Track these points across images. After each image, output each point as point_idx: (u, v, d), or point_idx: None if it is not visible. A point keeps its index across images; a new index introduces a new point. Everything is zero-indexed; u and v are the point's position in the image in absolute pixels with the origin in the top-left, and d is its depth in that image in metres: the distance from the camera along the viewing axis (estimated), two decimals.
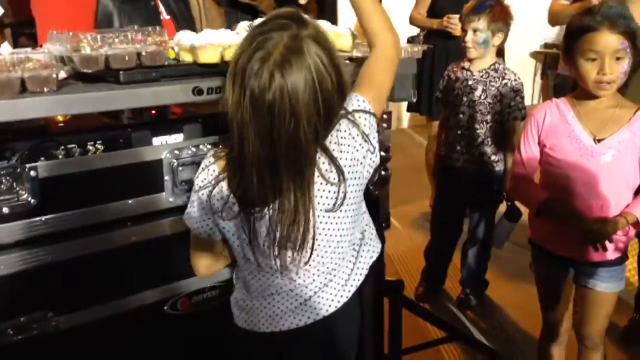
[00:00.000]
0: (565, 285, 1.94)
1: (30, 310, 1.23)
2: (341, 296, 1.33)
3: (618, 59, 1.68)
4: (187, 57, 1.37)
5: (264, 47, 1.11)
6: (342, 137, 1.23)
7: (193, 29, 2.13)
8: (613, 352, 2.02)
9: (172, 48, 1.38)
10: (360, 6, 1.38)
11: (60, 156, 1.24)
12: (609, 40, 1.66)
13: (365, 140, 1.26)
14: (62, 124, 1.39)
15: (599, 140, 1.76)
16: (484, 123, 2.66)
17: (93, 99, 1.20)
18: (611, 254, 1.81)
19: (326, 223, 1.24)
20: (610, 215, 1.77)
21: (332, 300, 1.32)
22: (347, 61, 1.50)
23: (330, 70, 1.15)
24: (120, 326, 1.34)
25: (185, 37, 1.38)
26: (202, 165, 1.27)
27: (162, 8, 2.08)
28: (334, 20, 1.75)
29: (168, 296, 1.41)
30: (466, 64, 2.71)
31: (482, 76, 2.66)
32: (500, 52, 2.81)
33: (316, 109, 1.14)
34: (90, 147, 1.29)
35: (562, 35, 1.87)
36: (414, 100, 1.75)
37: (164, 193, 1.36)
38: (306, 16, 1.20)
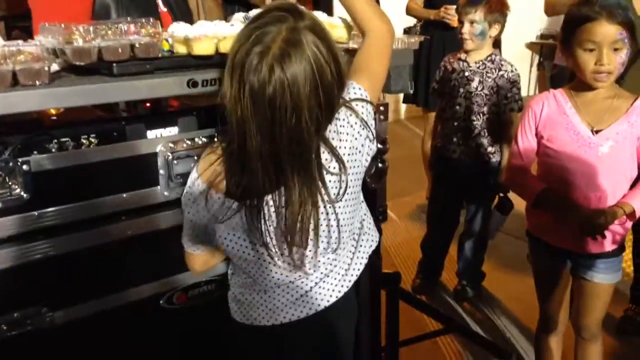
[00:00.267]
0: (562, 277, 1.94)
1: (24, 306, 1.22)
2: (342, 286, 1.33)
3: (616, 49, 1.67)
4: (181, 49, 1.35)
5: (262, 42, 1.10)
6: (341, 126, 1.22)
7: (190, 20, 2.11)
8: (609, 342, 2.02)
9: (166, 40, 1.36)
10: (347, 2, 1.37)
11: (53, 150, 1.23)
12: (607, 31, 1.65)
13: (364, 128, 1.25)
14: (55, 117, 1.37)
15: (597, 132, 1.75)
16: (481, 114, 2.66)
17: (86, 92, 1.18)
18: (609, 246, 1.81)
19: (328, 213, 1.24)
20: (608, 206, 1.77)
21: (333, 291, 1.32)
22: (344, 53, 1.48)
23: (329, 61, 1.13)
24: (115, 321, 1.33)
25: (179, 28, 1.36)
26: (189, 182, 1.27)
27: (159, 0, 2.06)
28: (329, 11, 1.73)
29: (164, 290, 1.39)
30: (463, 55, 2.70)
31: (478, 67, 2.65)
32: (496, 44, 2.80)
33: (317, 101, 1.13)
34: (84, 141, 1.27)
35: (559, 26, 1.86)
36: (411, 91, 1.74)
37: (158, 187, 1.35)
38: (302, 7, 1.18)
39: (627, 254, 2.41)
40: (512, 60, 2.73)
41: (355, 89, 1.27)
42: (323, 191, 1.20)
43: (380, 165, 1.62)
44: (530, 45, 6.99)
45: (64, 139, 1.25)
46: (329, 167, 1.21)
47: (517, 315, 2.75)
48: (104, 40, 1.23)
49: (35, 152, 1.20)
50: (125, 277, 1.34)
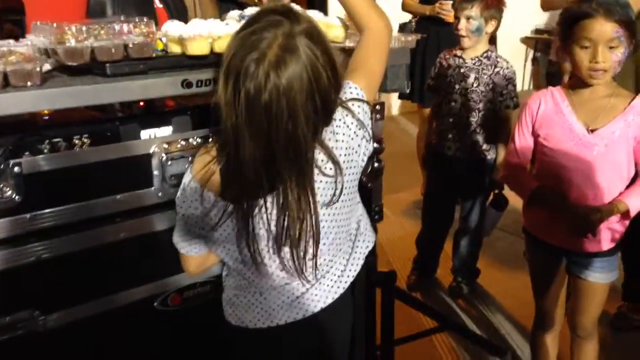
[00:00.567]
0: (558, 275, 1.94)
1: (16, 309, 1.20)
2: (337, 287, 1.32)
3: (612, 47, 1.66)
4: (175, 49, 1.33)
5: (257, 48, 1.08)
6: (337, 126, 1.21)
7: (186, 17, 2.09)
8: (602, 338, 2.02)
9: (160, 39, 1.34)
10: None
11: (45, 151, 1.21)
12: (603, 28, 1.65)
13: (360, 128, 1.24)
14: (47, 117, 1.35)
15: (592, 131, 1.74)
16: (476, 111, 2.65)
17: (78, 93, 1.17)
18: (605, 245, 1.81)
19: (324, 215, 1.23)
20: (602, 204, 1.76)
21: (329, 293, 1.31)
22: (340, 52, 1.47)
23: (325, 66, 1.12)
24: (109, 324, 1.32)
25: (173, 27, 1.34)
26: (184, 182, 1.25)
27: None
28: (324, 10, 1.72)
29: (158, 292, 1.38)
30: (458, 52, 2.69)
31: (474, 64, 2.64)
32: (492, 40, 2.79)
33: (313, 107, 1.12)
34: (77, 141, 1.25)
35: (554, 21, 1.85)
36: (407, 91, 1.73)
37: (153, 188, 1.33)
38: (298, 8, 1.17)
39: None
40: (506, 55, 2.72)
41: (351, 89, 1.26)
42: (318, 194, 1.19)
43: (376, 164, 1.61)
44: (525, 40, 6.97)
45: (56, 140, 1.23)
46: (325, 168, 1.19)
47: (512, 311, 2.75)
48: (96, 40, 1.21)
49: (27, 154, 1.18)
50: (119, 279, 1.32)
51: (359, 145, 1.25)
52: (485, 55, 2.64)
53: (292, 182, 1.15)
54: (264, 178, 1.15)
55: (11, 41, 1.20)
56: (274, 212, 1.18)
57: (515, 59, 6.11)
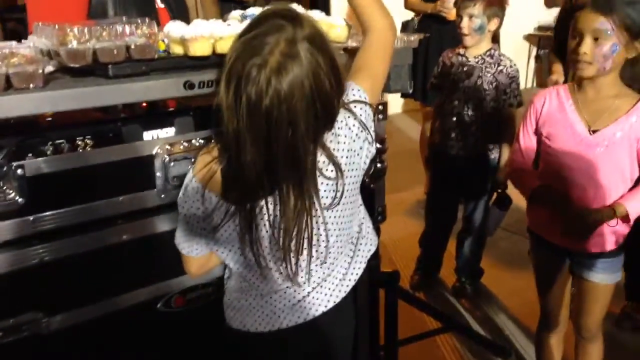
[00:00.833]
0: (562, 275, 1.93)
1: (20, 312, 1.20)
2: (339, 291, 1.32)
3: (596, 39, 1.65)
4: (177, 50, 1.33)
5: (259, 54, 1.08)
6: (339, 128, 1.21)
7: (188, 17, 2.09)
8: (607, 338, 2.01)
9: (162, 40, 1.34)
10: None
11: (48, 152, 1.21)
12: (588, 18, 1.66)
13: (362, 130, 1.23)
14: (49, 119, 1.35)
15: (594, 131, 1.73)
16: (479, 110, 2.64)
17: (81, 95, 1.17)
18: (609, 245, 1.80)
19: (325, 218, 1.22)
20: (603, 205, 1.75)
21: (331, 296, 1.31)
22: (342, 52, 1.46)
23: (328, 72, 1.12)
24: (113, 326, 1.32)
25: (175, 28, 1.34)
26: (185, 182, 1.25)
27: None
28: (327, 10, 1.71)
29: (161, 294, 1.38)
30: (462, 50, 2.68)
31: (477, 62, 2.63)
32: (495, 38, 2.78)
33: (314, 113, 1.11)
34: (80, 143, 1.25)
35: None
36: (410, 91, 1.72)
37: (155, 189, 1.33)
38: (301, 10, 1.16)
39: None
40: (509, 53, 2.72)
41: (354, 90, 1.25)
42: (319, 198, 1.19)
43: (379, 165, 1.61)
44: (528, 37, 6.95)
45: (59, 141, 1.22)
46: (326, 170, 1.19)
47: (516, 312, 2.74)
48: (99, 41, 1.21)
49: (29, 156, 1.18)
50: (122, 281, 1.32)
51: (360, 148, 1.24)
52: (488, 53, 2.63)
53: (292, 187, 1.14)
54: (265, 181, 1.14)
55: (13, 43, 1.20)
56: (274, 216, 1.18)
57: (519, 56, 6.10)
